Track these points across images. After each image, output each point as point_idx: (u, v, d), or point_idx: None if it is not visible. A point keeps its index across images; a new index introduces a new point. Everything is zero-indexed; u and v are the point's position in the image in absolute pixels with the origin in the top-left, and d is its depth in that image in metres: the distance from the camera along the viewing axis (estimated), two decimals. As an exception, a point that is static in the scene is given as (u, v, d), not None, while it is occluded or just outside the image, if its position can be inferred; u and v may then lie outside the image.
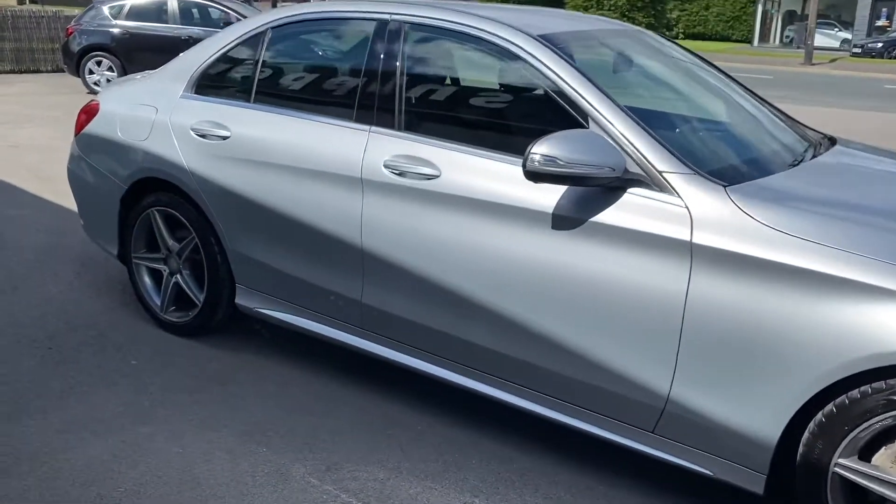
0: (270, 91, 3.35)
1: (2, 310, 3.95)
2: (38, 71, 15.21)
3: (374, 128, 2.95)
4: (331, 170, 2.99)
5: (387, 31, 3.03)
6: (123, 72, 12.32)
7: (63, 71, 13.16)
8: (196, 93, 3.52)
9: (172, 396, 3.16)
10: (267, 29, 3.40)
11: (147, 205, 3.65)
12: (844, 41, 34.86)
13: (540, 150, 2.38)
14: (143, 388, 3.21)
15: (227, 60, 3.49)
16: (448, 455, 2.84)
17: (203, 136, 3.37)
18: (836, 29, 35.66)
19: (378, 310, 2.97)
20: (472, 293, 2.69)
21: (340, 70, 3.30)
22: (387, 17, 3.06)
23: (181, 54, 3.75)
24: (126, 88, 3.86)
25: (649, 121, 2.55)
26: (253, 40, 3.43)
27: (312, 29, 3.36)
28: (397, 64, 2.98)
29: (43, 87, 13.12)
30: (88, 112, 3.91)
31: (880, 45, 30.09)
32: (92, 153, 3.85)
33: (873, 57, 29.24)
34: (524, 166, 2.40)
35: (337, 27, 3.33)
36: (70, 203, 5.30)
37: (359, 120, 3.01)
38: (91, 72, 12.20)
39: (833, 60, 27.26)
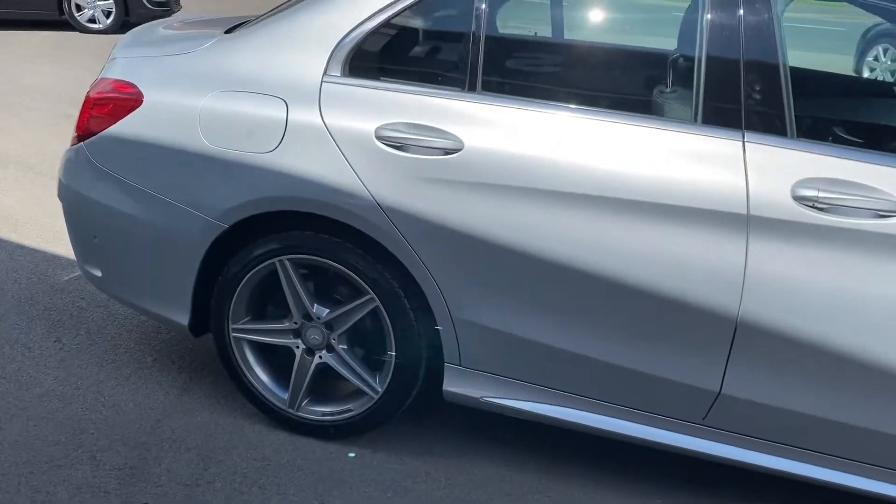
0: (513, 72, 2.17)
1: None
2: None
3: (750, 135, 1.96)
4: (671, 200, 1.96)
5: None
6: (124, 2, 9.25)
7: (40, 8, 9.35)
8: (351, 74, 2.21)
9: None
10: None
11: (269, 252, 2.31)
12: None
13: None
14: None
15: (406, 21, 2.22)
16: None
17: (400, 147, 2.11)
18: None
19: (746, 401, 2.05)
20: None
21: (651, 37, 2.21)
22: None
23: (288, 8, 2.36)
24: (189, 61, 2.37)
25: None
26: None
27: None
28: (774, 34, 1.98)
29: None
30: (110, 103, 2.39)
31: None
32: (132, 170, 2.37)
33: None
34: None
35: None
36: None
37: (711, 121, 1.99)
38: (79, 7, 9.18)
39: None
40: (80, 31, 9.38)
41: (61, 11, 9.33)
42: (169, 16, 10.05)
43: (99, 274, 2.57)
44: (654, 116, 2.06)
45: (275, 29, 2.31)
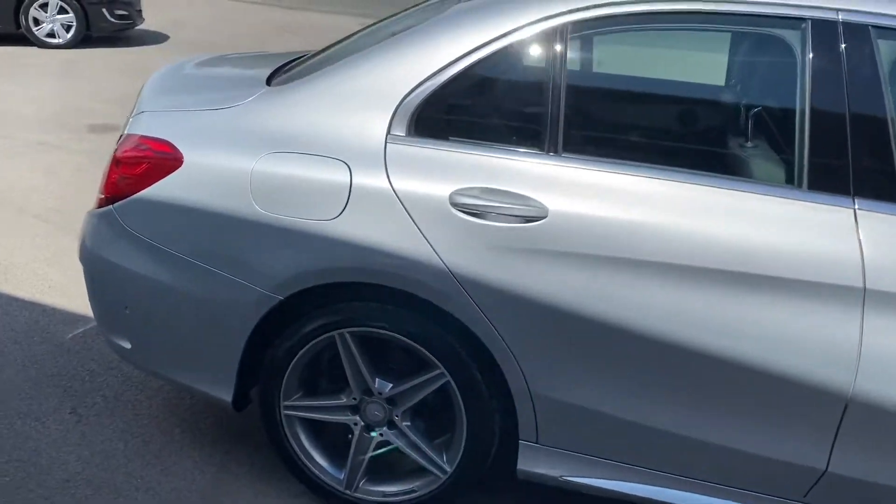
0: (596, 132, 2.03)
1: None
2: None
3: (861, 201, 1.85)
4: (778, 272, 1.84)
5: (842, 37, 1.89)
6: (85, 16, 8.73)
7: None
8: (417, 134, 2.04)
9: None
10: (565, 24, 2.01)
11: (328, 324, 2.12)
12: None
13: None
14: None
15: (476, 75, 2.05)
16: None
17: (477, 214, 1.95)
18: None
19: (854, 479, 1.94)
20: None
21: (738, 97, 2.08)
22: (833, 16, 1.91)
23: (344, 63, 2.16)
24: (233, 118, 2.17)
25: None
26: (533, 43, 2.03)
27: (661, 26, 2.05)
28: (881, 87, 1.87)
29: None
30: (144, 163, 2.18)
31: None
32: (171, 236, 2.16)
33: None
34: None
35: (716, 27, 2.06)
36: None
37: (817, 186, 1.87)
38: (37, 21, 8.68)
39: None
40: (39, 47, 8.94)
41: (18, 25, 8.88)
42: (132, 28, 9.69)
43: (128, 346, 2.35)
44: (751, 180, 1.94)
45: (329, 83, 2.12)
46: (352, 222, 2.01)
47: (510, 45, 2.02)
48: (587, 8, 2.00)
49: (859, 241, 1.82)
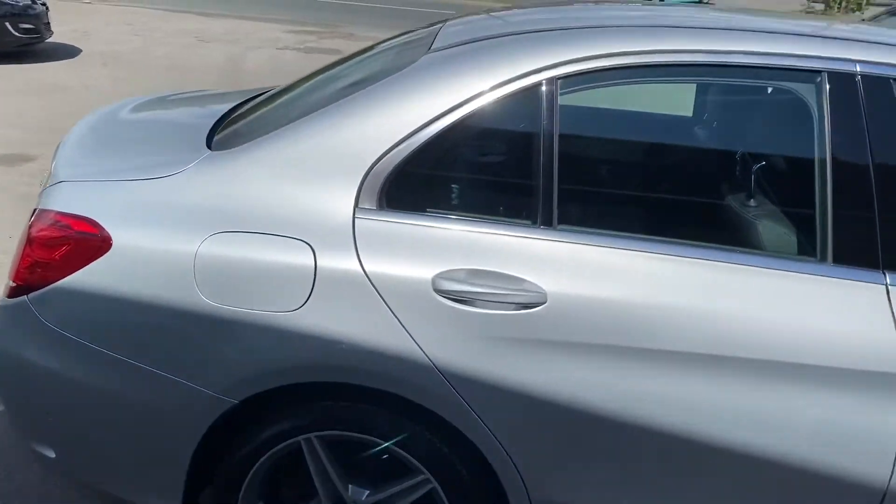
0: (595, 202, 1.79)
1: None
2: None
3: (894, 276, 1.66)
4: (805, 359, 1.65)
5: (861, 90, 1.70)
6: None
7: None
8: (390, 207, 1.77)
9: None
10: (549, 80, 1.77)
11: (292, 429, 1.83)
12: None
13: None
14: None
15: (456, 140, 1.79)
16: None
17: (465, 301, 1.69)
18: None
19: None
20: None
21: (748, 160, 1.87)
22: (852, 67, 1.72)
23: (300, 123, 1.87)
24: (170, 189, 1.84)
25: None
26: (520, 100, 1.78)
27: (662, 79, 1.82)
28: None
29: None
30: (64, 245, 1.84)
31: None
32: (100, 332, 1.83)
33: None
34: None
35: (723, 80, 1.84)
36: None
37: (843, 259, 1.68)
38: None
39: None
40: (-65, 64, 8.25)
41: None
42: (41, 42, 9.04)
43: (52, 455, 2.00)
44: (768, 253, 1.73)
45: (283, 148, 1.82)
46: (318, 313, 1.72)
47: (494, 103, 1.77)
48: (582, 59, 1.76)
49: (894, 320, 1.64)
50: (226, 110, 2.32)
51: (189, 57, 8.90)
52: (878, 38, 1.80)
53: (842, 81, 1.71)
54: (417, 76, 1.82)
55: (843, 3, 20.81)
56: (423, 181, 1.80)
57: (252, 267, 1.74)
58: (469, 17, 2.36)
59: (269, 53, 9.50)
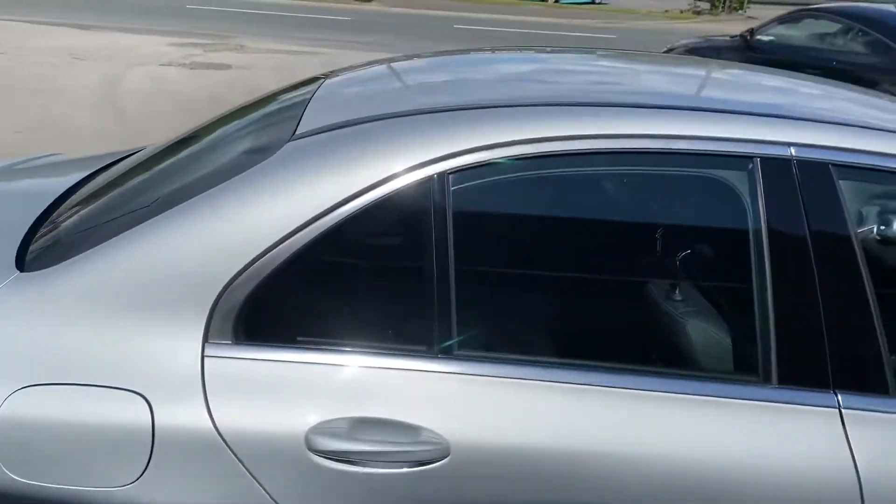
0: (501, 322, 1.48)
1: None
2: None
3: (846, 396, 1.42)
4: (748, 498, 1.39)
5: (812, 178, 1.46)
6: None
7: None
8: (249, 340, 1.41)
9: None
10: (440, 174, 1.44)
11: None
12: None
13: None
14: None
15: (329, 251, 1.45)
16: None
17: (349, 461, 1.36)
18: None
19: None
20: None
21: (675, 263, 1.59)
22: (787, 152, 1.48)
23: (131, 233, 1.47)
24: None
25: None
26: (404, 199, 1.45)
27: (569, 171, 1.52)
28: (855, 251, 1.45)
29: None
30: None
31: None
32: None
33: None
34: None
35: (642, 169, 1.55)
36: None
37: (789, 379, 1.43)
38: None
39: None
40: None
41: None
42: None
43: None
44: (706, 375, 1.48)
45: (111, 266, 1.43)
46: (157, 487, 1.35)
47: (374, 205, 1.43)
48: (476, 150, 1.45)
49: (851, 450, 1.40)
50: (55, 198, 1.90)
51: (60, 78, 8.16)
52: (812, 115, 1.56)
53: (776, 167, 1.47)
54: (275, 173, 1.46)
55: (727, 2, 21.48)
56: (289, 306, 1.45)
57: (70, 430, 1.35)
58: (351, 75, 2.03)
59: (151, 71, 8.83)
